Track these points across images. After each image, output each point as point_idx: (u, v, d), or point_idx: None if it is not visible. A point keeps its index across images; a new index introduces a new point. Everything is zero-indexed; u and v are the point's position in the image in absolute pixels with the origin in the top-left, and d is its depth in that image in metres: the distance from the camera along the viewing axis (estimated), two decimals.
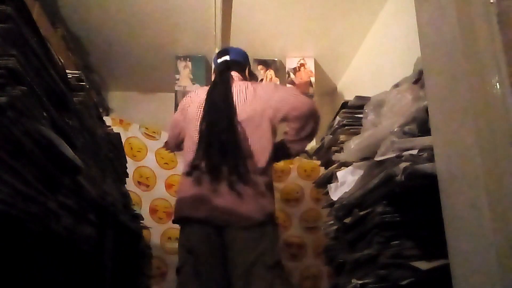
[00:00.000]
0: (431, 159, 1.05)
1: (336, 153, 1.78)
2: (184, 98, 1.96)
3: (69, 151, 0.86)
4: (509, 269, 0.77)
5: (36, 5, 2.05)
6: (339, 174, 1.61)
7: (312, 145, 2.96)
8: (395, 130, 1.29)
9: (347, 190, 1.50)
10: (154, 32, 2.74)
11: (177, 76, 3.03)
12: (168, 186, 2.59)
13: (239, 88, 1.77)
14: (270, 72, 3.03)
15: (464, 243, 0.88)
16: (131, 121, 2.67)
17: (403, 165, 1.07)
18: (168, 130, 2.03)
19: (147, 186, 2.56)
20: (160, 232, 2.49)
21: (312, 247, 2.56)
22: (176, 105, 2.91)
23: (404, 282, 1.10)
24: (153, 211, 2.53)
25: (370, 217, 1.26)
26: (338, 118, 1.86)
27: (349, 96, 2.70)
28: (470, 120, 0.86)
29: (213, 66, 2.01)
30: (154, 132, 2.68)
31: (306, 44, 2.92)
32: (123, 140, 1.91)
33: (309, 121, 1.78)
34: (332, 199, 1.67)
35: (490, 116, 0.83)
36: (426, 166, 1.05)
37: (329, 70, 3.22)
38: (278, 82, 2.96)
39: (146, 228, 2.21)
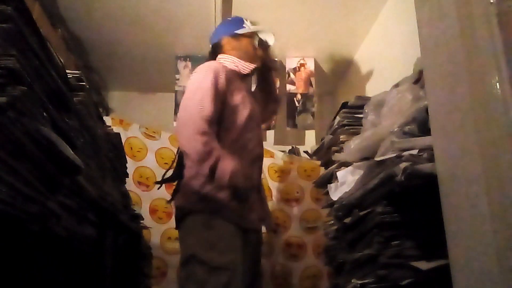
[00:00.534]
0: (431, 159, 1.05)
1: (336, 153, 1.78)
2: None
3: (69, 151, 0.86)
4: (509, 269, 0.77)
5: (36, 5, 2.05)
6: (339, 174, 1.61)
7: (312, 145, 2.96)
8: (395, 130, 1.29)
9: (347, 190, 1.50)
10: (154, 32, 2.73)
11: (177, 76, 3.03)
12: (168, 186, 2.59)
13: None
14: None
15: (464, 243, 0.88)
16: (131, 121, 2.67)
17: (403, 165, 1.07)
18: None
19: (147, 186, 2.55)
20: (160, 232, 2.49)
21: (312, 247, 2.55)
22: (176, 105, 2.91)
23: (404, 282, 1.10)
24: (153, 211, 2.53)
25: (370, 217, 1.26)
26: (338, 118, 1.86)
27: (349, 96, 2.70)
28: (470, 120, 0.86)
29: None
30: (154, 132, 2.68)
31: (306, 44, 2.92)
32: (123, 140, 1.91)
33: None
34: (332, 199, 1.66)
35: (490, 116, 0.83)
36: (426, 166, 1.05)
37: (329, 70, 3.22)
38: (278, 82, 2.96)
39: (146, 228, 2.21)
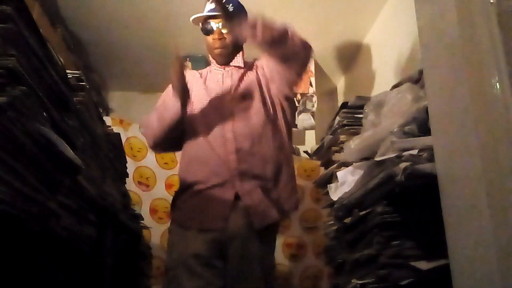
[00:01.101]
0: (431, 159, 1.05)
1: (336, 153, 1.78)
2: None
3: (69, 151, 0.86)
4: (509, 269, 0.77)
5: (36, 5, 2.05)
6: (339, 174, 1.61)
7: (312, 145, 2.96)
8: (395, 130, 1.29)
9: (347, 190, 1.50)
10: (154, 32, 2.73)
11: None
12: (168, 186, 2.59)
13: None
14: None
15: (464, 243, 0.88)
16: (131, 121, 2.67)
17: (403, 165, 1.07)
18: None
19: (147, 186, 2.56)
20: (160, 232, 2.49)
21: (312, 247, 2.55)
22: None
23: (404, 282, 1.10)
24: (153, 211, 2.53)
25: (370, 217, 1.26)
26: (338, 118, 1.86)
27: (349, 96, 2.70)
28: (470, 120, 0.86)
29: None
30: None
31: None
32: (123, 140, 1.91)
33: None
34: (332, 199, 1.66)
35: (490, 116, 0.83)
36: (426, 166, 1.05)
37: (329, 70, 3.22)
38: None
39: (146, 228, 2.21)
